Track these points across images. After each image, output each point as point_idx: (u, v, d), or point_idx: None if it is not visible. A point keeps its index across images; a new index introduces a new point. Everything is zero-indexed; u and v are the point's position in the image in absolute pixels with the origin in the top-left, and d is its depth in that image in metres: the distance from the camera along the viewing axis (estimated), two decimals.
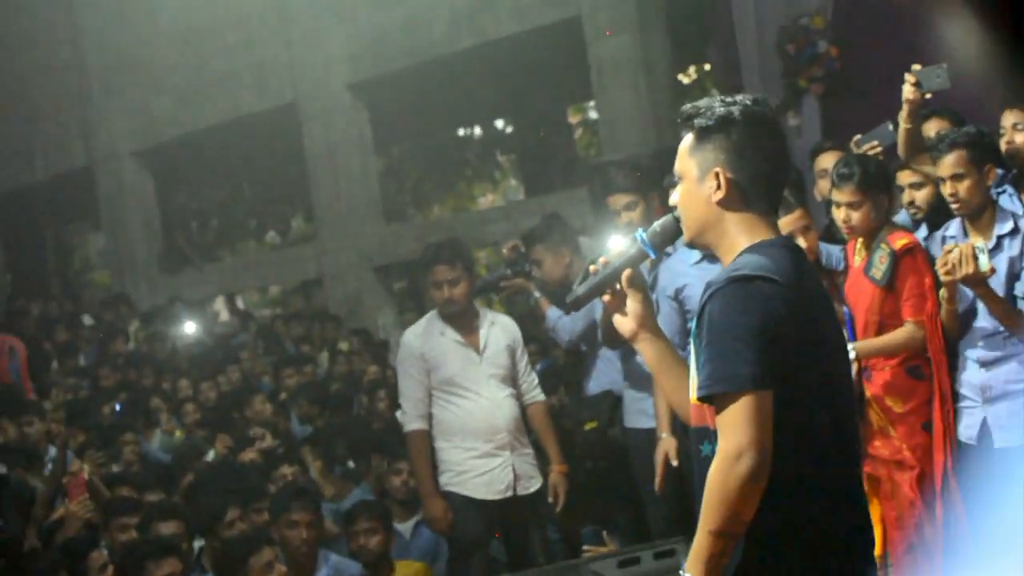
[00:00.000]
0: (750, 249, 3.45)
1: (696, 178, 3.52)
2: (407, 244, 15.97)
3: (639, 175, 7.45)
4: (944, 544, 6.15)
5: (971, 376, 6.17)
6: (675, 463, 6.77)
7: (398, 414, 8.03)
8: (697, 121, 3.51)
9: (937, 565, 6.15)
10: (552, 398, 8.52)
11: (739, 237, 3.50)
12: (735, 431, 3.21)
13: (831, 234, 7.08)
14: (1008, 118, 6.41)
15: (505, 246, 8.71)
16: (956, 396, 6.22)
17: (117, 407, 11.13)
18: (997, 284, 6.01)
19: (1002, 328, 6.06)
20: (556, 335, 8.15)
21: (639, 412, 7.34)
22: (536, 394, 7.63)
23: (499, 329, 7.53)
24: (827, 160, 7.40)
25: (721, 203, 3.49)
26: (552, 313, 8.04)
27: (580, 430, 7.86)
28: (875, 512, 6.33)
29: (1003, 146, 6.41)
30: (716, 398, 3.26)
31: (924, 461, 6.23)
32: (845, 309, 6.43)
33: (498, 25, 14.70)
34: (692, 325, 3.43)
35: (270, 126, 17.20)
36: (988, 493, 6.18)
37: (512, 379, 7.50)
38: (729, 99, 3.53)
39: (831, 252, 6.72)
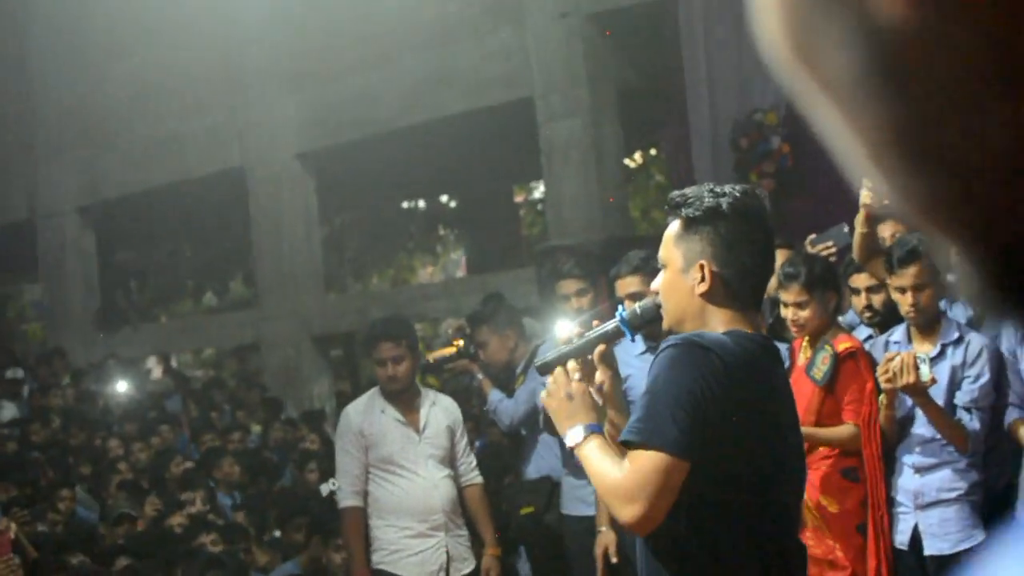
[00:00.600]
0: (724, 335, 3.42)
1: (680, 268, 3.48)
2: (346, 315, 15.98)
3: (589, 262, 7.50)
4: None
5: (906, 481, 6.22)
6: (614, 559, 6.78)
7: (323, 487, 7.97)
8: (685, 211, 3.47)
9: None
10: (490, 480, 8.50)
11: (718, 331, 3.46)
12: (638, 481, 3.22)
13: (776, 332, 7.13)
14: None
15: (450, 326, 8.72)
16: (891, 501, 6.25)
17: (47, 463, 11.01)
18: (938, 392, 6.05)
19: (939, 435, 6.11)
20: (497, 417, 8.15)
21: (577, 499, 7.34)
22: (473, 476, 7.61)
23: (440, 409, 7.52)
24: (779, 257, 7.45)
25: (704, 296, 3.46)
26: (494, 395, 8.05)
27: (516, 514, 7.85)
28: None
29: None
30: (635, 445, 3.26)
31: (857, 563, 6.24)
32: None
33: (450, 102, 14.75)
34: None
35: (216, 189, 17.22)
36: None
37: (450, 460, 7.48)
38: (719, 190, 3.48)
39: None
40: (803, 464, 3.73)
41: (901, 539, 6.21)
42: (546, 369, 3.73)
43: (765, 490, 3.37)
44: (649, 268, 6.97)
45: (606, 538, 6.93)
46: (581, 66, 13.57)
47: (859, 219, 6.55)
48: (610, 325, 3.68)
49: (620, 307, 3.70)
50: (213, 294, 23.70)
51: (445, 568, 7.30)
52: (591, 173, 13.59)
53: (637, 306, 3.66)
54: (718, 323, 3.47)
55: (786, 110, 11.03)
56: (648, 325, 3.67)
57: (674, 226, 3.52)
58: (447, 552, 7.31)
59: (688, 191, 3.53)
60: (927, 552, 6.16)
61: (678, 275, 3.49)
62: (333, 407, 15.42)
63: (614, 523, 6.94)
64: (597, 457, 3.44)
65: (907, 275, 6.09)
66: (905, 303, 6.14)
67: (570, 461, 7.37)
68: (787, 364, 6.60)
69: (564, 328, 7.08)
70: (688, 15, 11.77)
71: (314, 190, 16.57)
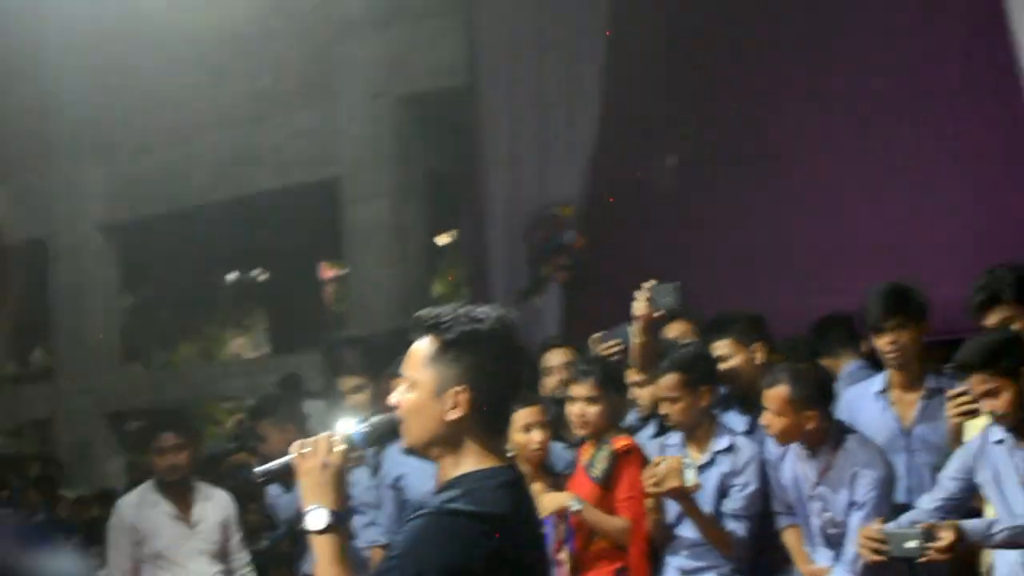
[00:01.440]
0: (472, 477, 3.38)
1: (432, 392, 3.41)
2: (143, 391, 15.73)
3: (370, 358, 7.45)
4: None
5: None
6: None
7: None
8: (443, 335, 3.42)
9: None
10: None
11: (465, 459, 3.41)
12: None
13: (557, 430, 7.12)
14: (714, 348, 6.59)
15: (231, 419, 8.58)
16: None
17: None
18: (706, 498, 6.12)
19: (704, 538, 6.15)
20: (274, 513, 8.03)
21: None
22: (245, 573, 7.49)
23: (213, 504, 7.41)
24: (554, 357, 7.51)
25: (455, 423, 3.40)
26: (273, 490, 7.92)
27: None
28: None
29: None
30: None
31: None
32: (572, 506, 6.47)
33: (258, 178, 14.65)
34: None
35: (20, 258, 16.79)
36: None
37: (223, 555, 7.37)
38: (476, 314, 3.44)
39: (559, 453, 6.77)
40: None
41: None
42: (266, 476, 3.67)
43: None
44: None
45: None
46: (390, 147, 13.56)
47: (635, 328, 6.58)
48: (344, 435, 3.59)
49: (356, 421, 3.64)
50: (15, 364, 23.17)
51: None
52: (394, 255, 13.56)
53: (372, 422, 3.59)
54: (469, 453, 3.42)
55: (581, 204, 11.10)
56: (380, 443, 3.60)
57: (427, 346, 3.45)
58: None
59: (442, 312, 3.46)
60: None
61: (429, 398, 3.42)
62: (126, 485, 15.12)
63: None
64: (328, 570, 3.42)
65: (661, 386, 6.26)
66: (661, 410, 6.26)
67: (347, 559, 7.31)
68: (571, 470, 6.61)
69: (345, 425, 7.04)
70: (492, 104, 11.81)
71: (116, 262, 16.28)
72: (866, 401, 6.37)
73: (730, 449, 6.25)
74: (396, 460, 6.68)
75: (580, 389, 6.41)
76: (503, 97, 11.75)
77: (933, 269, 8.81)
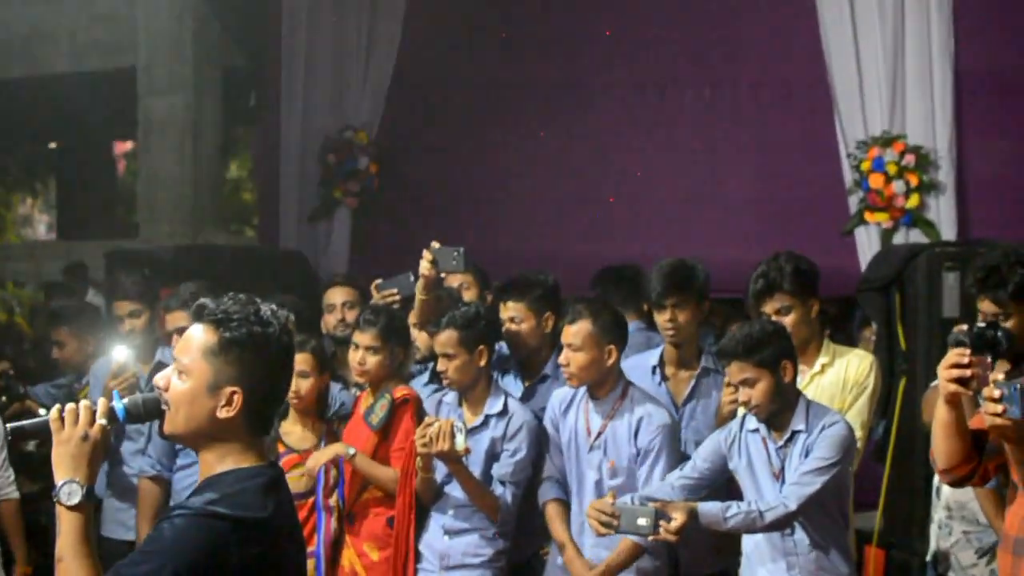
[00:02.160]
0: (234, 476, 3.37)
1: (206, 385, 3.35)
2: None
3: (146, 285, 7.40)
4: None
5: (434, 540, 6.27)
6: None
7: None
8: (226, 332, 3.36)
9: None
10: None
11: (227, 457, 3.38)
12: None
13: (336, 371, 7.10)
14: (503, 311, 6.62)
15: None
16: (419, 556, 6.31)
17: None
18: (476, 462, 6.15)
19: (471, 500, 6.19)
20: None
21: (118, 523, 7.25)
22: (9, 491, 7.32)
23: None
24: (337, 295, 7.50)
25: (224, 421, 3.36)
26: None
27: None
28: None
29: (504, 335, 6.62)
30: None
31: None
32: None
33: (53, 60, 14.29)
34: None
35: None
36: None
37: None
38: (263, 316, 3.39)
39: (339, 398, 6.78)
40: None
41: None
42: (18, 434, 3.52)
43: None
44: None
45: None
46: (189, 43, 13.28)
47: (419, 286, 6.57)
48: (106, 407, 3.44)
49: (116, 395, 3.53)
50: None
51: None
52: (187, 151, 13.35)
53: (140, 399, 3.46)
54: (232, 451, 3.40)
55: (378, 130, 11.05)
56: (147, 419, 3.51)
57: (206, 337, 3.38)
58: None
59: (231, 308, 3.39)
60: None
61: (201, 391, 3.36)
62: None
63: None
64: (77, 545, 3.31)
65: (437, 343, 6.23)
66: (439, 368, 6.26)
67: (116, 483, 7.25)
68: (349, 411, 6.60)
69: (120, 352, 6.95)
70: (291, 12, 11.60)
71: None
72: (642, 373, 6.45)
73: (504, 413, 6.25)
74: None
75: (362, 338, 6.39)
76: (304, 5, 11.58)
77: (721, 228, 9.00)
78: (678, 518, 5.26)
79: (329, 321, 7.47)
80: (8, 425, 3.57)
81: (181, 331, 6.54)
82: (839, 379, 6.13)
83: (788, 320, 6.03)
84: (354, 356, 6.43)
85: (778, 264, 6.11)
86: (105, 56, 13.89)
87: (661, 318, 6.30)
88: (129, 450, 7.27)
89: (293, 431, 6.58)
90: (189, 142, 13.37)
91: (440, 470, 6.23)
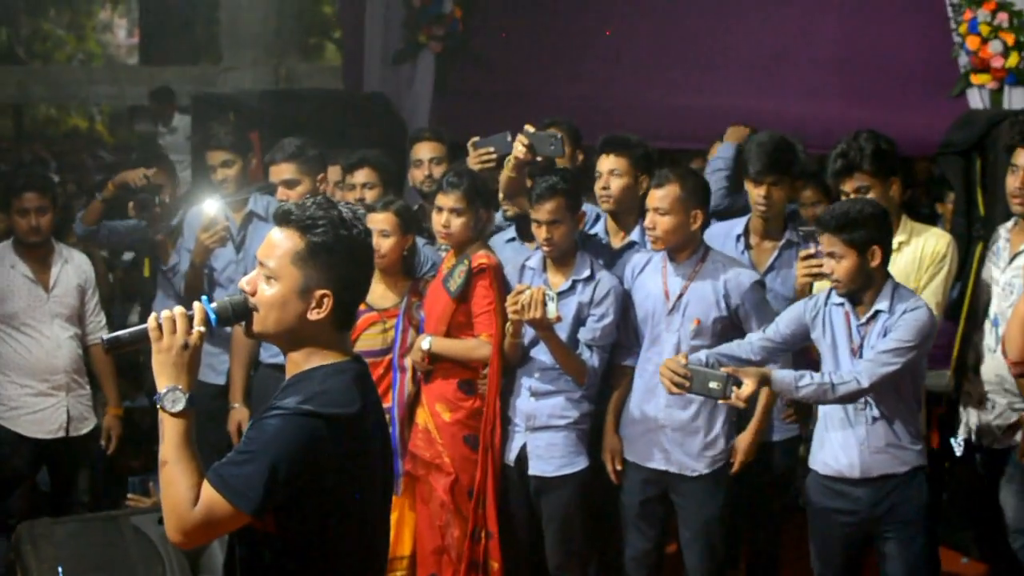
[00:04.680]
0: (322, 372, 3.51)
1: (297, 289, 3.48)
2: (10, 87, 15.46)
3: (239, 135, 7.46)
4: (474, 555, 6.44)
5: (521, 403, 6.42)
6: None
7: None
8: (313, 236, 3.47)
9: (462, 569, 6.44)
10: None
11: (314, 356, 3.54)
12: (203, 522, 3.35)
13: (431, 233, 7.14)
14: (604, 163, 6.65)
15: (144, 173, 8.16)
16: (506, 419, 6.47)
17: None
18: (563, 326, 6.23)
19: (558, 364, 6.32)
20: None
21: (209, 367, 7.35)
22: (102, 335, 7.50)
23: (72, 267, 7.39)
24: (423, 150, 7.53)
25: (314, 322, 3.50)
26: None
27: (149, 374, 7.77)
28: (408, 513, 6.63)
29: (597, 190, 6.67)
30: (216, 489, 3.35)
31: (461, 469, 6.46)
32: (421, 314, 6.60)
33: None
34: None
35: None
36: (520, 514, 6.53)
37: (79, 318, 7.40)
38: (344, 214, 3.51)
39: (428, 255, 6.86)
40: (391, 474, 3.90)
41: (509, 456, 6.44)
42: (114, 345, 3.59)
43: (355, 523, 3.56)
44: (303, 156, 6.98)
45: (239, 414, 7.10)
46: None
47: (508, 164, 6.62)
48: (198, 312, 3.54)
49: (205, 300, 3.60)
50: None
51: (65, 427, 7.30)
52: None
53: (229, 303, 3.56)
54: (317, 347, 3.55)
55: None
56: (232, 324, 3.62)
57: (292, 241, 3.50)
58: (68, 412, 7.31)
59: (315, 213, 3.50)
60: (531, 472, 6.41)
61: (292, 295, 3.49)
62: None
63: (246, 399, 7.06)
64: (181, 449, 3.44)
65: (543, 210, 6.23)
66: (540, 236, 6.28)
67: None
68: (434, 270, 6.70)
69: (212, 205, 7.05)
70: None
71: None
72: (724, 240, 6.52)
73: (591, 278, 6.34)
74: (261, 238, 6.73)
75: (446, 200, 6.44)
76: None
77: (806, 82, 8.93)
78: (749, 384, 5.33)
79: (416, 175, 7.52)
80: (103, 336, 3.65)
81: (286, 183, 6.74)
82: (915, 257, 6.18)
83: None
84: (438, 218, 6.48)
85: (858, 143, 6.12)
86: None
87: (756, 192, 6.35)
88: (220, 297, 7.39)
89: (375, 289, 6.56)
90: None
91: (526, 333, 6.35)
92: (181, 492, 3.38)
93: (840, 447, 5.73)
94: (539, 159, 6.59)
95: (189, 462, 3.42)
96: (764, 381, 5.40)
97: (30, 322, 7.21)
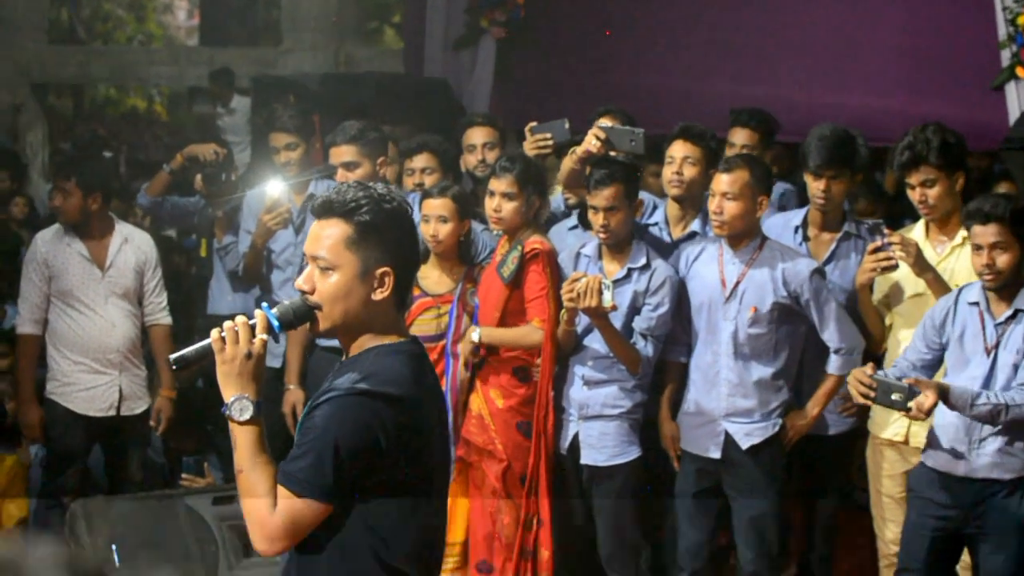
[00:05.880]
0: (377, 352, 3.51)
1: (357, 273, 3.47)
2: (70, 67, 15.52)
3: (303, 118, 7.45)
4: (524, 542, 6.43)
5: (575, 391, 6.40)
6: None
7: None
8: (360, 217, 3.46)
9: (513, 556, 6.42)
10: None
11: (371, 339, 3.53)
12: (285, 526, 3.37)
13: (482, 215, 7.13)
14: (679, 150, 6.61)
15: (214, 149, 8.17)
16: (559, 407, 6.45)
17: None
18: (617, 315, 6.21)
19: (612, 353, 6.30)
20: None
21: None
22: (160, 316, 7.52)
23: (131, 247, 7.40)
24: (475, 135, 7.49)
25: (379, 303, 3.50)
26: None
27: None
28: (460, 499, 6.59)
29: (668, 175, 6.63)
30: (291, 491, 3.35)
31: (515, 457, 6.43)
32: (476, 300, 6.59)
33: None
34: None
35: None
36: (572, 503, 6.50)
37: (136, 299, 7.41)
38: (381, 192, 3.52)
39: (485, 241, 6.83)
40: (449, 459, 3.89)
41: (563, 444, 6.42)
42: (182, 363, 3.61)
43: (413, 504, 3.53)
44: (364, 138, 6.95)
45: (294, 395, 7.09)
46: None
47: (575, 157, 6.55)
48: (260, 320, 3.54)
49: (266, 307, 3.58)
50: None
51: (117, 406, 7.32)
52: None
53: (289, 304, 3.56)
54: (378, 328, 3.55)
55: None
56: (295, 326, 3.62)
57: (340, 228, 3.49)
58: (120, 390, 7.33)
59: (352, 196, 3.49)
60: (583, 461, 6.39)
61: (354, 280, 3.48)
62: (45, 158, 15.12)
63: (301, 380, 7.06)
64: (251, 460, 3.46)
65: (601, 196, 6.20)
66: (597, 222, 6.26)
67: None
68: (490, 255, 6.69)
69: (275, 187, 7.06)
70: None
71: None
72: (781, 231, 6.49)
73: (646, 267, 6.32)
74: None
75: (498, 184, 6.42)
76: None
77: (866, 75, 8.88)
78: (930, 396, 5.36)
79: (469, 160, 7.49)
80: (170, 356, 3.65)
81: (347, 165, 6.73)
82: None
83: (932, 193, 6.05)
84: (490, 203, 6.45)
85: (925, 136, 6.08)
86: None
87: (815, 185, 6.32)
88: (277, 280, 7.42)
89: (430, 275, 6.66)
90: None
91: (580, 321, 6.33)
92: (259, 499, 3.40)
93: (952, 444, 5.69)
94: (612, 154, 6.51)
95: (264, 468, 3.44)
96: (943, 394, 5.40)
97: (83, 299, 7.24)
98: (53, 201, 7.39)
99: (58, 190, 7.33)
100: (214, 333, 3.51)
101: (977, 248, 5.61)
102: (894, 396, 5.41)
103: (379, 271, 3.48)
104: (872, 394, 5.47)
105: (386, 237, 3.49)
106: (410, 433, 3.44)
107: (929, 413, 5.42)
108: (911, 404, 5.36)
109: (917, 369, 5.76)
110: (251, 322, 3.52)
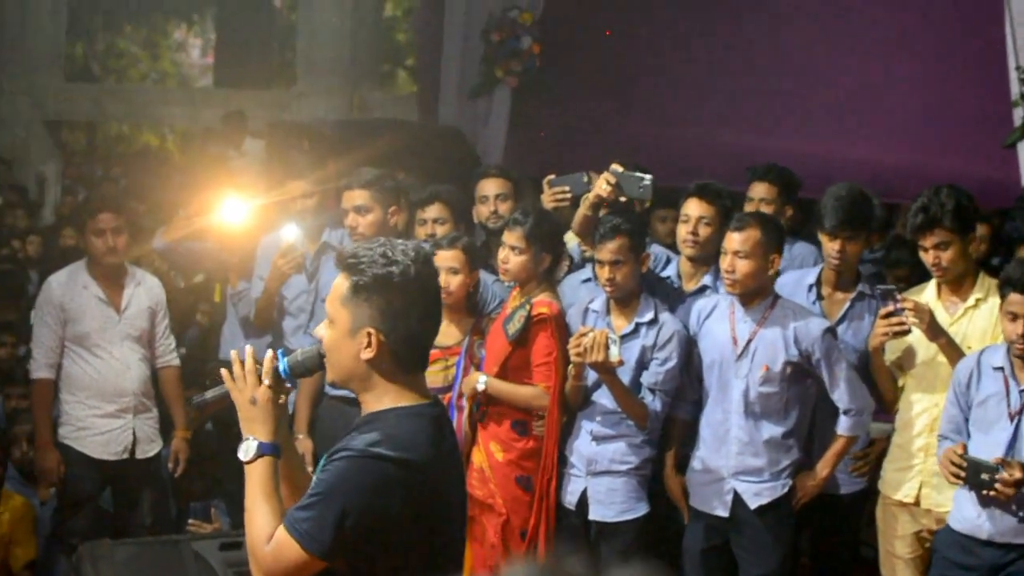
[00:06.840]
0: (393, 415, 3.50)
1: (347, 330, 3.49)
2: (85, 104, 15.57)
3: (318, 157, 7.49)
4: None
5: (582, 446, 6.41)
6: (310, 469, 6.87)
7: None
8: (353, 277, 3.48)
9: None
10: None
11: (384, 397, 3.52)
12: (277, 566, 3.39)
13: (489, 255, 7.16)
14: (694, 208, 6.63)
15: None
16: (564, 460, 6.46)
17: None
18: (625, 370, 6.22)
19: (620, 408, 6.30)
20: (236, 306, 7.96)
21: None
22: (170, 358, 7.58)
23: (144, 290, 7.45)
24: (488, 187, 7.53)
25: (369, 362, 3.49)
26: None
27: None
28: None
29: (683, 234, 6.65)
30: (290, 535, 3.37)
31: (513, 511, 6.43)
32: (482, 353, 6.60)
33: None
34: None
35: None
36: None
37: (148, 341, 7.45)
38: (391, 255, 3.49)
39: (495, 292, 6.85)
40: (464, 517, 3.90)
41: (570, 499, 6.42)
42: (202, 406, 3.71)
43: (427, 569, 3.52)
44: (378, 184, 6.96)
45: (303, 445, 7.02)
46: None
47: (588, 203, 6.61)
48: (269, 365, 3.60)
49: (280, 353, 3.63)
50: None
51: (131, 449, 7.34)
52: (347, 8, 13.41)
53: (300, 354, 3.63)
54: (383, 390, 3.54)
55: (542, 12, 11.01)
56: (308, 375, 3.67)
57: (343, 284, 3.52)
58: (134, 434, 7.35)
59: (360, 253, 3.52)
60: (591, 516, 6.38)
61: (344, 336, 3.51)
62: (57, 194, 15.17)
63: (310, 430, 7.06)
64: (258, 494, 3.50)
65: (606, 250, 6.23)
66: (603, 276, 6.29)
67: (275, 346, 7.42)
68: (499, 308, 6.69)
69: (290, 231, 7.09)
70: None
71: None
72: (794, 289, 6.50)
73: (654, 322, 6.32)
74: (334, 270, 6.75)
75: (509, 237, 6.43)
76: None
77: (882, 132, 8.92)
78: (1016, 474, 5.44)
79: (482, 212, 7.52)
80: (193, 399, 3.76)
81: (358, 209, 6.75)
82: (993, 313, 6.10)
83: (946, 255, 6.05)
84: (500, 254, 6.48)
85: (939, 199, 6.07)
86: None
87: (830, 246, 6.33)
88: (290, 327, 7.44)
89: None
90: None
91: (588, 376, 6.32)
92: (255, 531, 3.44)
93: (975, 507, 5.70)
94: (622, 199, 6.54)
95: (264, 504, 3.47)
96: None
97: (101, 343, 7.26)
98: (101, 239, 7.27)
99: (106, 230, 7.26)
100: (224, 373, 3.59)
101: (1012, 316, 5.61)
102: (983, 476, 5.48)
103: (364, 331, 3.48)
104: (963, 474, 5.54)
105: (374, 298, 3.47)
106: (425, 500, 3.44)
107: (1016, 487, 5.45)
108: (997, 481, 5.44)
109: (962, 433, 5.79)
110: (259, 366, 3.59)
